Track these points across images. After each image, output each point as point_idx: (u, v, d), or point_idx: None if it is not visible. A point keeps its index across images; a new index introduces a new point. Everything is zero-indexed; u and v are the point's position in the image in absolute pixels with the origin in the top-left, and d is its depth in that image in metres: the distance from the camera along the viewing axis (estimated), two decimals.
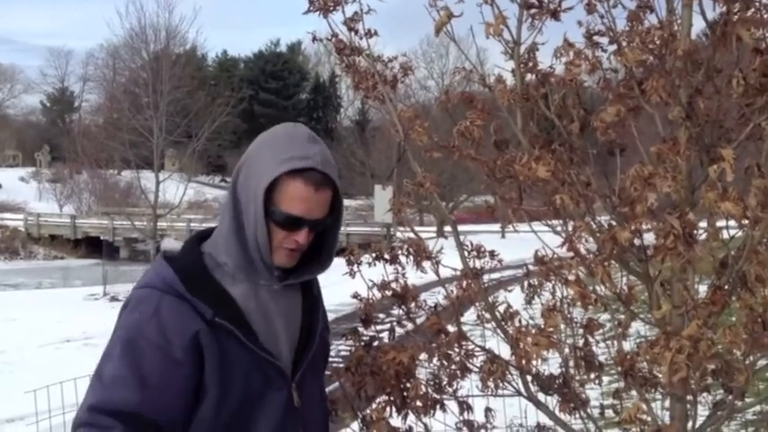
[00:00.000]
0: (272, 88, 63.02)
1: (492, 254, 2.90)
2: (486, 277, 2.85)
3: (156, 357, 1.82)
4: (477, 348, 2.54)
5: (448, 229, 2.88)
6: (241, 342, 1.89)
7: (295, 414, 2.02)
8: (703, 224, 2.39)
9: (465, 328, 2.73)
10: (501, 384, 2.43)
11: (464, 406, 2.59)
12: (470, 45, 2.82)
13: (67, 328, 18.55)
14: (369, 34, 2.98)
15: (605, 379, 2.90)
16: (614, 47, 2.50)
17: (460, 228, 2.96)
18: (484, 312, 2.64)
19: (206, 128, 29.69)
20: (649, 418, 2.16)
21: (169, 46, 33.13)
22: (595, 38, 2.63)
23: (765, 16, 2.03)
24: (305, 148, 1.93)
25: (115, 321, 1.93)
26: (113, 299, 24.66)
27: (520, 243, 2.76)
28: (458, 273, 2.83)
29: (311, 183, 1.91)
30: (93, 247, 45.64)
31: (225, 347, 1.88)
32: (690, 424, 2.31)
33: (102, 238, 46.53)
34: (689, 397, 2.24)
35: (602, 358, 2.81)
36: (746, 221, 1.91)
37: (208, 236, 2.03)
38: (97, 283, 26.53)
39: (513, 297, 2.95)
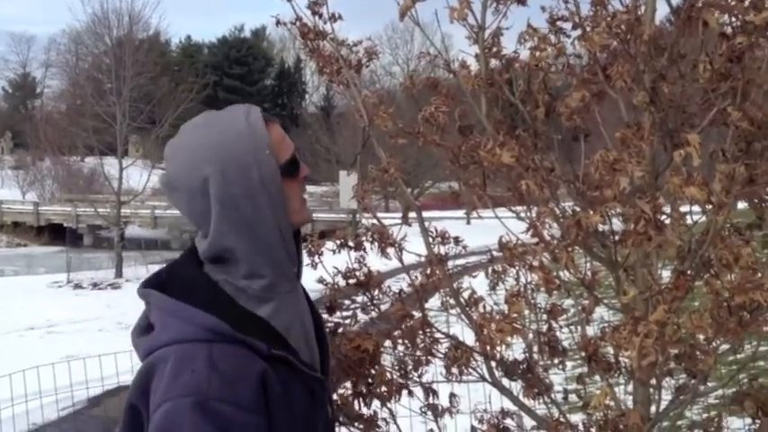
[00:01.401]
0: (237, 74, 62.49)
1: (456, 240, 2.89)
2: (451, 263, 2.84)
3: (236, 417, 1.50)
4: (442, 335, 2.53)
5: (413, 215, 2.86)
6: (294, 368, 1.65)
7: (332, 427, 1.88)
8: (667, 209, 2.40)
9: (430, 314, 2.72)
10: (465, 370, 2.42)
11: (429, 391, 2.58)
12: (436, 30, 2.80)
13: (31, 316, 18.35)
14: (333, 18, 2.94)
15: (569, 364, 2.91)
16: (578, 32, 2.50)
17: (426, 214, 2.95)
18: (448, 299, 2.63)
19: (170, 114, 29.39)
20: (613, 403, 2.17)
21: (132, 31, 32.61)
22: (559, 23, 2.62)
23: (732, 1, 2.02)
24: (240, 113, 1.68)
25: (132, 399, 1.59)
26: (77, 286, 24.41)
27: (485, 229, 2.76)
28: (422, 259, 2.82)
29: (280, 126, 1.74)
30: (56, 234, 45.03)
31: (284, 381, 1.61)
32: (653, 408, 2.32)
33: (65, 225, 45.92)
34: (653, 381, 2.24)
35: (566, 343, 2.81)
36: (711, 206, 1.91)
37: (195, 261, 1.70)
38: (61, 270, 26.24)
39: (478, 283, 2.95)
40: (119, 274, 26.39)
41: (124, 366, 9.32)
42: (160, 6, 55.92)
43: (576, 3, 2.60)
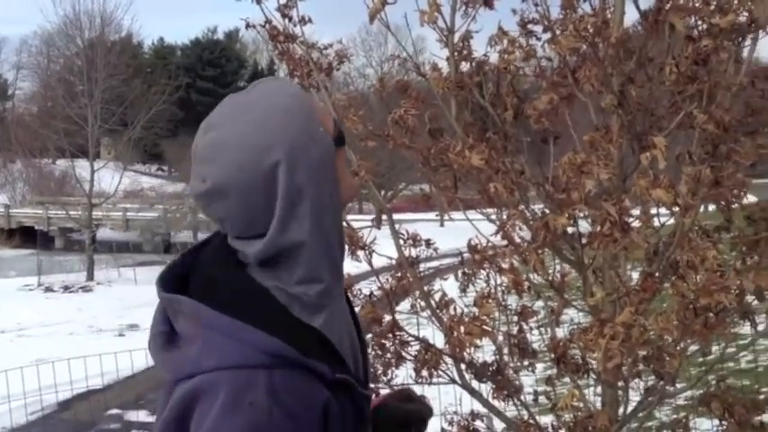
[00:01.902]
0: (210, 76, 62.23)
1: (428, 242, 2.89)
2: (424, 266, 2.84)
3: None
4: (412, 338, 2.52)
5: (386, 217, 2.86)
6: (353, 390, 1.42)
7: None
8: (635, 212, 2.41)
9: (400, 317, 2.71)
10: (435, 373, 2.41)
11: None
12: (409, 33, 2.80)
13: (1, 320, 18.14)
14: (303, 21, 2.93)
15: (540, 366, 2.92)
16: (548, 35, 2.51)
17: (400, 216, 2.94)
18: (419, 301, 2.62)
19: (142, 116, 29.21)
20: (582, 405, 2.18)
21: (104, 33, 32.34)
22: (530, 26, 2.62)
23: (698, 5, 2.04)
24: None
25: None
26: (48, 289, 24.15)
27: (458, 231, 2.76)
28: (393, 262, 2.82)
29: None
30: (27, 236, 44.44)
31: (342, 406, 1.38)
32: (621, 409, 2.33)
33: (36, 227, 45.34)
34: (620, 383, 2.25)
35: (537, 345, 2.82)
36: (677, 209, 1.92)
37: (234, 262, 1.42)
38: (31, 273, 25.95)
39: (450, 285, 2.95)
40: (90, 277, 26.14)
41: (94, 370, 9.27)
42: (132, 8, 55.64)
43: (546, 5, 2.61)
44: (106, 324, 18.08)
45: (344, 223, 2.64)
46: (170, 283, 1.40)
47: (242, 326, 1.28)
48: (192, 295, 1.34)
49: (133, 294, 21.10)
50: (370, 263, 2.61)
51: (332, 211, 1.39)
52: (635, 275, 2.33)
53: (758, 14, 1.90)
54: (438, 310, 2.61)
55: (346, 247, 2.52)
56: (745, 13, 1.94)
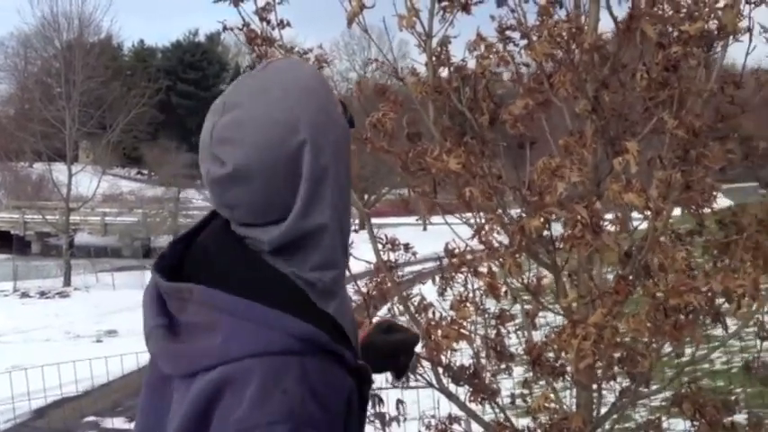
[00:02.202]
0: (191, 79, 61.94)
1: (406, 247, 2.90)
2: (406, 270, 2.85)
3: None
4: None
5: (374, 221, 2.87)
6: (364, 376, 1.38)
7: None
8: (610, 216, 2.44)
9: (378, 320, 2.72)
10: (413, 376, 2.43)
11: (376, 399, 2.58)
12: (393, 37, 2.81)
13: None
14: (281, 25, 2.94)
15: (520, 369, 2.95)
16: (525, 41, 2.54)
17: (384, 221, 2.96)
18: (397, 306, 2.64)
19: (121, 119, 29.06)
20: (556, 406, 2.20)
21: (83, 35, 32.13)
22: (507, 32, 2.66)
23: (668, 13, 2.07)
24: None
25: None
26: (24, 295, 23.93)
27: (442, 235, 2.77)
28: (372, 266, 2.83)
29: None
30: (3, 241, 43.99)
31: (357, 397, 1.35)
32: (596, 411, 2.36)
33: (12, 232, 44.86)
34: (594, 386, 2.28)
35: (515, 349, 2.84)
36: (649, 212, 1.96)
37: (246, 248, 1.34)
38: (7, 278, 25.69)
39: (429, 289, 2.96)
40: (67, 282, 25.93)
41: (68, 377, 9.19)
42: (112, 9, 55.38)
43: (523, 12, 2.64)
44: (83, 330, 17.95)
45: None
46: (177, 269, 1.33)
47: (272, 311, 1.22)
48: (202, 283, 1.27)
49: (111, 300, 20.97)
50: (348, 267, 2.60)
51: (347, 193, 1.35)
52: (611, 278, 2.36)
53: (726, 22, 1.94)
54: (417, 314, 2.62)
55: None
56: (714, 21, 1.98)
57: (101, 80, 31.19)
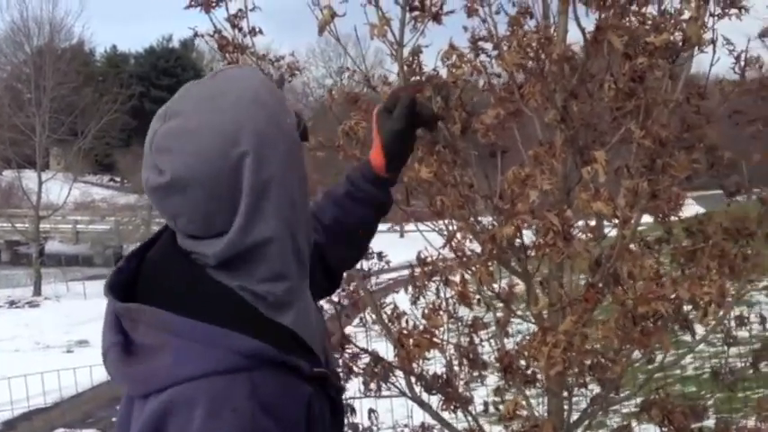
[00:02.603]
0: (164, 85, 61.49)
1: (380, 255, 2.91)
2: (382, 277, 2.86)
3: None
4: (360, 350, 2.54)
5: None
6: (327, 383, 1.38)
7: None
8: (581, 223, 2.47)
9: (354, 330, 2.73)
10: (385, 385, 2.43)
11: (348, 409, 2.58)
12: (369, 45, 2.83)
13: None
14: (253, 32, 2.94)
15: (494, 377, 2.95)
16: (496, 51, 2.57)
17: None
18: (369, 314, 2.64)
19: (93, 125, 28.81)
20: (527, 414, 2.22)
21: (54, 40, 31.83)
22: (480, 43, 2.68)
23: (635, 23, 2.10)
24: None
25: None
26: None
27: (418, 242, 2.79)
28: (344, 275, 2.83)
29: None
30: None
31: (320, 400, 1.35)
32: (567, 418, 2.38)
33: None
34: (565, 393, 2.30)
35: (488, 357, 2.86)
36: (617, 221, 1.98)
37: (191, 263, 1.31)
38: None
39: (403, 298, 2.97)
40: (37, 291, 25.60)
41: (35, 389, 9.05)
42: (84, 14, 54.90)
43: (494, 22, 2.67)
44: (54, 340, 17.73)
45: None
46: (127, 288, 1.31)
47: (217, 330, 1.21)
48: (150, 302, 1.26)
49: (82, 309, 20.70)
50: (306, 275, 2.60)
51: (300, 205, 1.32)
52: (583, 284, 2.39)
53: (691, 34, 1.97)
54: (390, 323, 2.63)
55: None
56: (679, 33, 2.01)
57: (72, 86, 30.88)
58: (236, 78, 1.31)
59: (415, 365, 2.38)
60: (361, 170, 1.71)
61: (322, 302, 2.73)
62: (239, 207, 1.24)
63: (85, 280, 26.61)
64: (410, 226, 2.96)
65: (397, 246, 3.22)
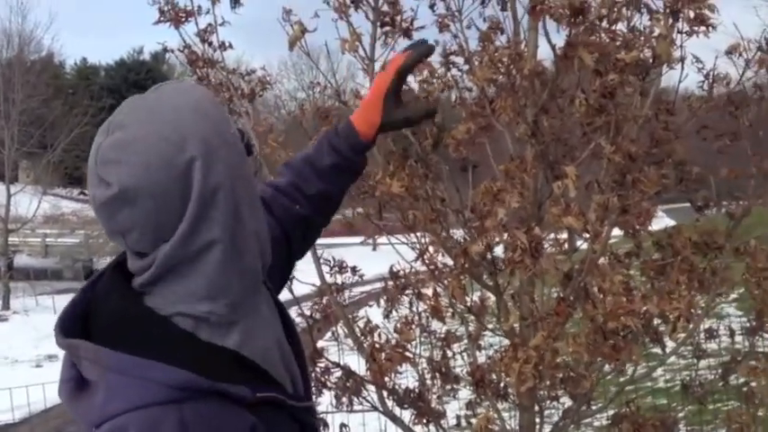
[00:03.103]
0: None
1: (354, 270, 2.90)
2: (356, 290, 2.85)
3: None
4: (333, 365, 2.53)
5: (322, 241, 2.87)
6: (283, 405, 1.33)
7: None
8: (554, 235, 2.48)
9: (327, 344, 2.72)
10: (357, 400, 2.42)
11: (321, 423, 2.57)
12: (341, 59, 2.83)
13: None
14: (223, 47, 2.93)
15: (467, 391, 2.95)
16: (468, 66, 2.58)
17: (333, 240, 2.95)
18: (341, 328, 2.63)
19: (62, 138, 28.54)
20: (500, 428, 2.22)
21: (23, 52, 31.52)
22: (451, 57, 2.69)
23: (606, 39, 2.12)
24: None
25: None
26: None
27: (391, 255, 2.78)
28: (316, 288, 2.83)
29: None
30: None
31: (272, 426, 1.29)
32: None
33: None
34: (536, 407, 2.31)
35: (462, 371, 2.86)
36: (587, 235, 2.00)
37: (129, 292, 1.29)
38: None
39: (376, 311, 2.97)
40: (6, 305, 25.21)
41: (4, 405, 8.90)
42: (54, 27, 54.52)
43: (465, 37, 2.68)
44: (22, 355, 17.47)
45: None
46: (72, 324, 1.30)
47: (144, 363, 1.18)
48: (93, 335, 1.25)
49: (51, 323, 20.07)
50: (290, 290, 2.59)
51: (247, 219, 1.29)
52: (555, 297, 2.40)
53: (661, 52, 1.99)
54: (363, 337, 2.62)
55: None
56: (649, 50, 2.04)
57: (41, 99, 30.55)
58: (178, 91, 1.30)
59: (387, 379, 2.37)
60: (347, 140, 1.69)
61: (293, 315, 2.72)
62: (186, 213, 1.22)
63: (55, 294, 26.23)
64: (383, 239, 2.95)
65: (369, 259, 3.22)
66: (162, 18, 2.70)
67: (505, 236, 2.05)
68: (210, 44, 2.82)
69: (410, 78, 2.80)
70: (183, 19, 2.72)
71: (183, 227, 1.22)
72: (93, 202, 1.25)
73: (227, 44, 2.86)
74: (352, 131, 1.68)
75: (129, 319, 1.25)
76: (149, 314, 1.25)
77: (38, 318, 23.15)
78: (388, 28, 2.47)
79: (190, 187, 1.21)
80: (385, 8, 2.47)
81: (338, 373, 2.55)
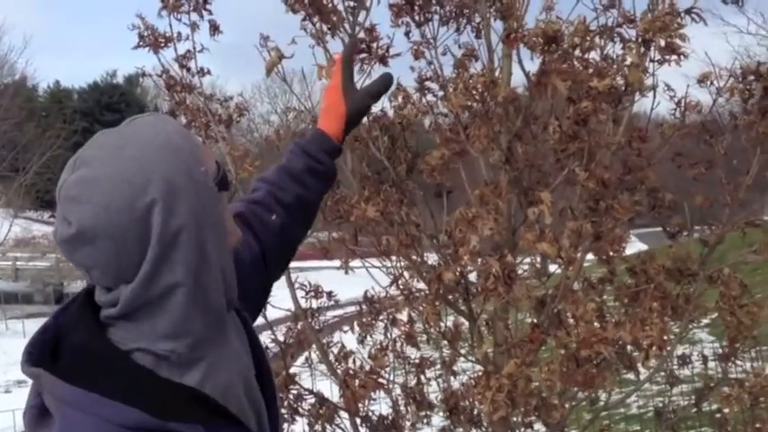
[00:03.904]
0: (108, 121, 60.75)
1: (329, 294, 2.88)
2: (329, 314, 2.83)
3: None
4: (306, 391, 2.51)
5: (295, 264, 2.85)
6: None
7: None
8: (529, 260, 2.48)
9: (300, 369, 2.69)
10: (330, 427, 2.40)
11: None
12: (314, 82, 2.83)
13: None
14: (202, 73, 2.93)
15: (440, 417, 2.93)
16: (442, 93, 2.59)
17: (307, 264, 2.94)
18: (314, 354, 2.61)
19: (35, 161, 28.29)
20: None
21: None
22: (426, 83, 2.71)
23: (579, 67, 2.15)
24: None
25: None
26: None
27: (367, 279, 2.77)
28: (290, 313, 2.80)
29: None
30: None
31: None
32: None
33: None
34: None
35: (437, 397, 2.84)
36: (561, 261, 2.00)
37: (95, 325, 1.29)
38: None
39: (351, 337, 2.94)
40: None
41: None
42: (27, 51, 54.19)
43: (440, 64, 2.70)
44: None
45: None
46: (39, 351, 1.28)
47: (97, 399, 1.17)
48: (57, 365, 1.23)
49: (21, 348, 19.97)
50: (264, 315, 2.57)
51: (214, 257, 1.26)
52: (529, 322, 2.40)
53: (633, 80, 2.02)
54: (337, 363, 2.60)
55: None
56: (621, 78, 2.06)
57: (14, 122, 30.34)
58: (149, 124, 1.28)
59: (360, 406, 2.35)
60: (318, 142, 1.71)
61: (267, 341, 2.70)
62: (147, 256, 1.21)
63: (25, 318, 25.84)
64: (356, 262, 2.95)
65: (345, 282, 3.20)
66: (141, 43, 2.69)
67: (479, 263, 2.05)
68: (189, 70, 2.82)
69: (386, 104, 2.82)
70: (163, 44, 2.71)
71: (145, 269, 1.21)
72: (54, 237, 1.25)
73: (205, 70, 2.85)
74: (322, 134, 1.71)
75: (89, 354, 1.24)
76: (111, 349, 1.24)
77: (7, 342, 22.75)
78: (364, 55, 2.48)
79: (149, 231, 1.20)
80: (361, 35, 2.48)
81: (311, 399, 2.52)
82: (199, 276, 1.24)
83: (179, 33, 2.80)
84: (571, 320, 2.01)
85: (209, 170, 1.29)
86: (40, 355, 1.26)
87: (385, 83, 1.80)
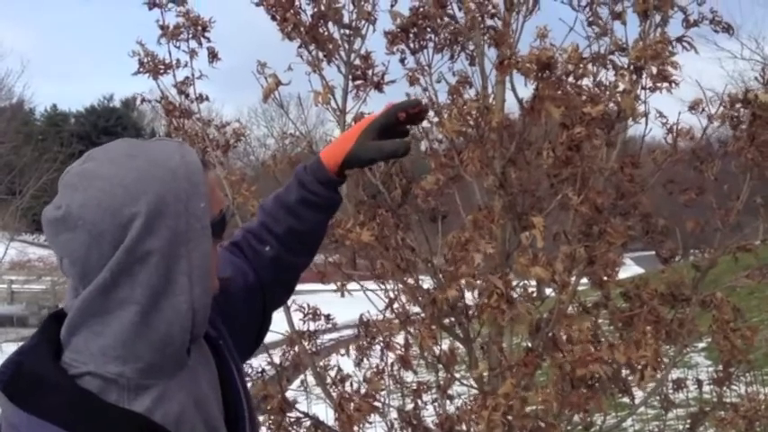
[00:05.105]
0: (105, 144, 60.90)
1: (327, 317, 2.90)
2: (326, 336, 2.84)
3: None
4: (302, 415, 2.51)
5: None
6: None
7: None
8: (522, 284, 2.50)
9: (293, 393, 2.69)
10: None
11: None
12: (310, 106, 2.87)
13: None
14: (200, 99, 2.96)
15: None
16: (437, 119, 2.62)
17: (304, 287, 2.95)
18: (309, 377, 2.62)
19: (31, 185, 28.30)
20: None
21: None
22: None
23: (572, 93, 2.18)
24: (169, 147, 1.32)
25: None
26: None
27: (364, 301, 2.78)
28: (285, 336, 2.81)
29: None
30: None
31: None
32: None
33: None
34: None
35: (433, 420, 2.84)
36: (555, 285, 2.02)
37: (51, 349, 1.28)
38: None
39: (348, 360, 2.95)
40: None
41: None
42: (25, 74, 54.31)
43: (434, 91, 2.73)
44: None
45: None
46: (7, 375, 1.26)
47: (37, 422, 1.17)
48: (12, 388, 1.23)
49: None
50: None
51: (185, 297, 1.25)
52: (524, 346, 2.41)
53: (625, 107, 2.05)
54: (334, 386, 2.61)
55: None
56: (614, 105, 2.09)
57: (11, 145, 30.40)
58: (168, 146, 1.29)
59: (356, 429, 2.35)
60: (313, 173, 1.63)
61: (263, 364, 2.70)
62: (110, 262, 1.21)
63: (20, 341, 25.65)
64: (353, 284, 2.96)
65: (342, 303, 3.21)
66: (141, 69, 2.73)
67: (479, 282, 2.07)
68: (187, 96, 2.85)
69: None
70: (162, 71, 2.75)
71: (104, 274, 1.21)
72: (42, 218, 1.26)
73: (203, 96, 2.89)
74: (320, 165, 1.63)
75: (36, 378, 1.24)
76: (57, 373, 1.24)
77: None
78: (359, 81, 2.51)
79: (123, 239, 1.20)
80: (357, 62, 2.52)
81: (307, 423, 2.52)
82: (158, 302, 1.23)
83: (178, 60, 2.84)
84: (566, 342, 2.02)
85: (210, 211, 1.29)
86: (7, 378, 1.26)
87: (401, 149, 1.65)
